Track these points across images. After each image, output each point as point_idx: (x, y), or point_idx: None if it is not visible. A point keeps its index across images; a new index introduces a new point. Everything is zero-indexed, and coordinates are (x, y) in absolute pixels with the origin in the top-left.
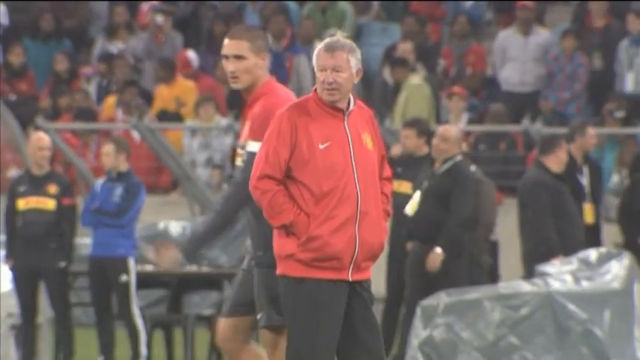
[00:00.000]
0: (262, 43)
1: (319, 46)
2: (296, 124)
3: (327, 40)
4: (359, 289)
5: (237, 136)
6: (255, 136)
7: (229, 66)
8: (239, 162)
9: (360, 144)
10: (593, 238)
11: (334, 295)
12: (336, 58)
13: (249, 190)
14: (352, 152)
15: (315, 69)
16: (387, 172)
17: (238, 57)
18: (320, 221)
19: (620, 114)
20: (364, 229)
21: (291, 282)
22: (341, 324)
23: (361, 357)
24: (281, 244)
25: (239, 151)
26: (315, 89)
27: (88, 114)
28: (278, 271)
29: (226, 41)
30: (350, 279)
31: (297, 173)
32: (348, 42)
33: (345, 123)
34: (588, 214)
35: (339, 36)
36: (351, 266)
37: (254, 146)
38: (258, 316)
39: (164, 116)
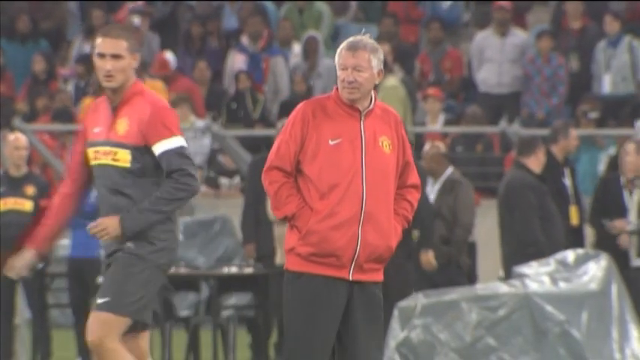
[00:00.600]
0: (137, 43)
1: (341, 45)
2: (309, 118)
3: (350, 39)
4: (360, 291)
5: (213, 136)
6: (165, 136)
7: (106, 65)
8: (107, 160)
9: (375, 145)
10: (577, 239)
11: (331, 292)
12: (358, 58)
13: (190, 189)
14: (363, 152)
15: (337, 68)
16: (413, 179)
17: (116, 56)
18: (322, 217)
19: (594, 115)
20: (368, 230)
21: (291, 276)
22: (338, 323)
23: (354, 359)
24: (287, 238)
25: (108, 149)
26: (337, 88)
27: (66, 115)
28: (284, 266)
29: (103, 39)
30: (350, 278)
31: (305, 167)
32: (371, 42)
33: (361, 123)
34: (574, 215)
35: (362, 36)
36: (352, 266)
37: (169, 143)
38: (101, 300)
39: None
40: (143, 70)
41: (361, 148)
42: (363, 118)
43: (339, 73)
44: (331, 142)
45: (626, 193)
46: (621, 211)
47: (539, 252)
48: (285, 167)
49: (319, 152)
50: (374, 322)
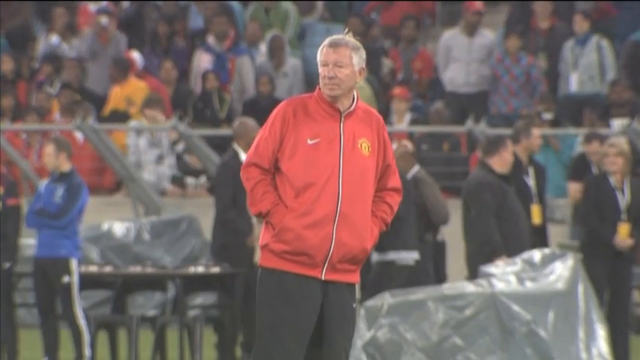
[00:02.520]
0: None
1: (323, 43)
2: (289, 117)
3: (332, 37)
4: (333, 291)
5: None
6: None
7: None
8: None
9: (353, 147)
10: (540, 239)
11: (304, 290)
12: (339, 54)
13: None
14: (342, 153)
15: (318, 65)
16: (394, 182)
17: None
18: (297, 215)
19: (548, 116)
20: (343, 231)
21: (263, 273)
22: (312, 321)
23: (320, 357)
24: (262, 235)
25: None
26: (319, 87)
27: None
28: (258, 263)
29: None
30: (322, 277)
31: (283, 165)
32: (353, 40)
33: (341, 124)
34: (536, 215)
35: (345, 35)
36: (325, 265)
37: None
38: None
39: (115, 116)
40: (124, 69)
41: (339, 150)
42: (343, 119)
43: (320, 70)
44: (310, 142)
45: (618, 194)
46: (616, 212)
47: (494, 251)
48: (262, 164)
49: (297, 151)
50: (345, 324)
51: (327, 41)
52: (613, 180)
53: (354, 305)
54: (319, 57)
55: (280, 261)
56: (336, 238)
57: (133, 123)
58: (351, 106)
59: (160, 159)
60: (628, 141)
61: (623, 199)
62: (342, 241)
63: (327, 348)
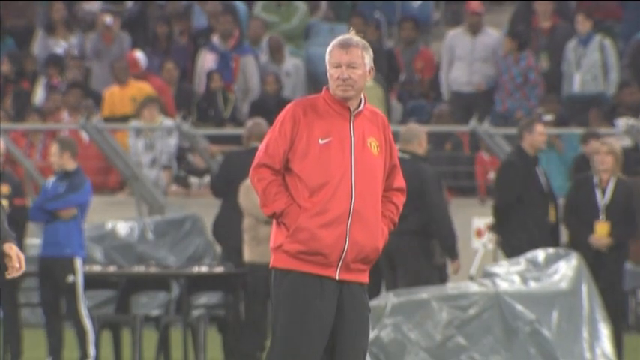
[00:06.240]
0: None
1: (332, 43)
2: (299, 117)
3: (340, 37)
4: (347, 291)
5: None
6: None
7: None
8: None
9: (364, 146)
10: (555, 237)
11: (319, 290)
12: (351, 55)
13: None
14: (352, 152)
15: (328, 66)
16: (399, 183)
17: None
18: (311, 214)
19: (549, 118)
20: (356, 229)
21: (279, 274)
22: (329, 321)
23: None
24: (274, 235)
25: None
26: (327, 88)
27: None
28: (270, 264)
29: None
30: (337, 277)
31: (294, 165)
32: (361, 40)
33: (351, 123)
34: (552, 213)
35: (351, 34)
36: (339, 265)
37: None
38: None
39: (117, 117)
40: (126, 71)
41: (350, 148)
42: (352, 118)
43: (331, 71)
44: (321, 142)
45: (598, 193)
46: (593, 211)
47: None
48: (273, 165)
49: (309, 151)
50: (362, 323)
51: (336, 42)
52: (597, 179)
53: (368, 304)
54: (329, 58)
55: (296, 261)
56: (350, 237)
57: (134, 123)
58: (360, 105)
59: (154, 163)
60: (632, 140)
61: (603, 199)
62: (355, 240)
63: (346, 348)
